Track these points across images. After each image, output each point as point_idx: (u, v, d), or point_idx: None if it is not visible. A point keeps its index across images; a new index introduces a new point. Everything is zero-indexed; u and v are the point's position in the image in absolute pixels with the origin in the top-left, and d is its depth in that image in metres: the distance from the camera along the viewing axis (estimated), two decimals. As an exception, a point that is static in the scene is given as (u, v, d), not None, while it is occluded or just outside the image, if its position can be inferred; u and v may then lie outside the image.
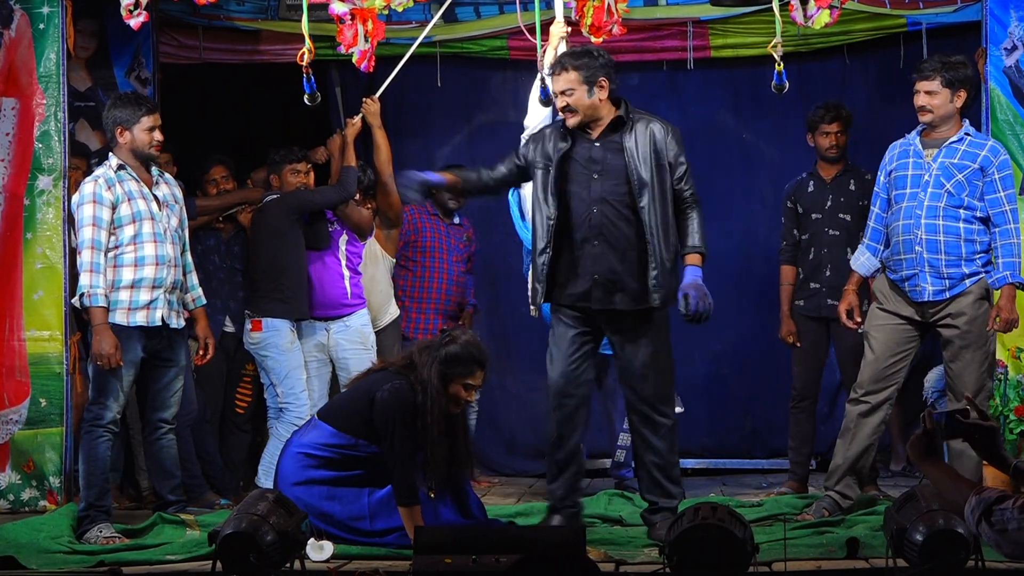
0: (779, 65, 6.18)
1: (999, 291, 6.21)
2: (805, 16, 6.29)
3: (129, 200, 6.32)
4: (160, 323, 6.37)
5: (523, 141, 7.19)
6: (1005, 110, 7.14)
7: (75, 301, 6.33)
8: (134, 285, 6.30)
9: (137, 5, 6.31)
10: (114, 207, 6.29)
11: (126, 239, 6.30)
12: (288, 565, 5.14)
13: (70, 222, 7.02)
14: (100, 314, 6.21)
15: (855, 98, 8.27)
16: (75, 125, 7.59)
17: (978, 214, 6.22)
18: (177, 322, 6.46)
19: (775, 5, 6.25)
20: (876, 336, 6.39)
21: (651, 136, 5.97)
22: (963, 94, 6.26)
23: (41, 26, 7.09)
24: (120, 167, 6.36)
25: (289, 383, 7.29)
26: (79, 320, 7.13)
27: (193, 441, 7.30)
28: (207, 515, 6.60)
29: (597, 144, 6.00)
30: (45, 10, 7.09)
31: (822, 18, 6.32)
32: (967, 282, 6.23)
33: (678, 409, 6.99)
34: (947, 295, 6.25)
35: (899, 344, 6.35)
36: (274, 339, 7.30)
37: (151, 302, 6.33)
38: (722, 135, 8.64)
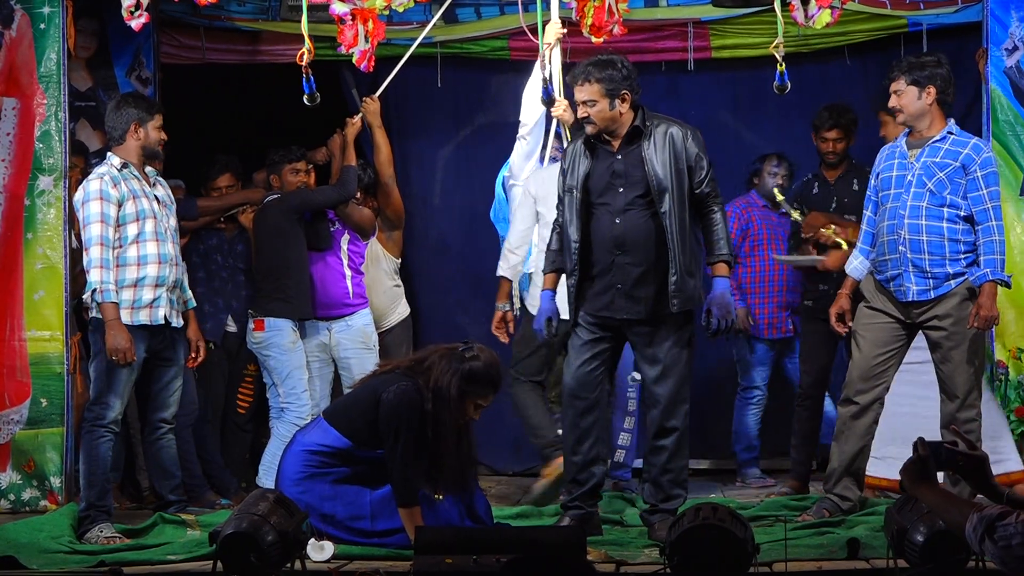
0: (780, 65, 6.19)
1: (980, 288, 6.20)
2: (806, 16, 6.30)
3: (134, 198, 6.34)
4: (163, 321, 6.38)
5: (522, 143, 7.19)
6: (1006, 110, 7.15)
7: (86, 297, 6.32)
8: (137, 284, 6.31)
9: (138, 6, 6.32)
10: (120, 204, 6.30)
11: (129, 237, 6.31)
12: (289, 565, 5.14)
13: (71, 222, 7.02)
14: (112, 309, 6.21)
15: (855, 99, 8.24)
16: (75, 125, 7.60)
17: (962, 213, 6.21)
18: (177, 321, 6.48)
19: (776, 5, 6.25)
20: (863, 335, 6.40)
21: (670, 140, 5.97)
22: (932, 90, 6.25)
23: (42, 26, 7.10)
24: (124, 165, 6.37)
25: (291, 383, 7.29)
26: (80, 320, 7.14)
27: (194, 441, 7.30)
28: (208, 515, 6.60)
29: (619, 157, 6.00)
30: (46, 10, 7.09)
31: (823, 18, 6.33)
32: (952, 283, 6.22)
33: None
34: (931, 295, 6.24)
35: (886, 343, 6.35)
36: (276, 339, 7.30)
37: (154, 300, 6.34)
38: (723, 136, 8.63)
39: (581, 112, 6.00)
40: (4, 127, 7.11)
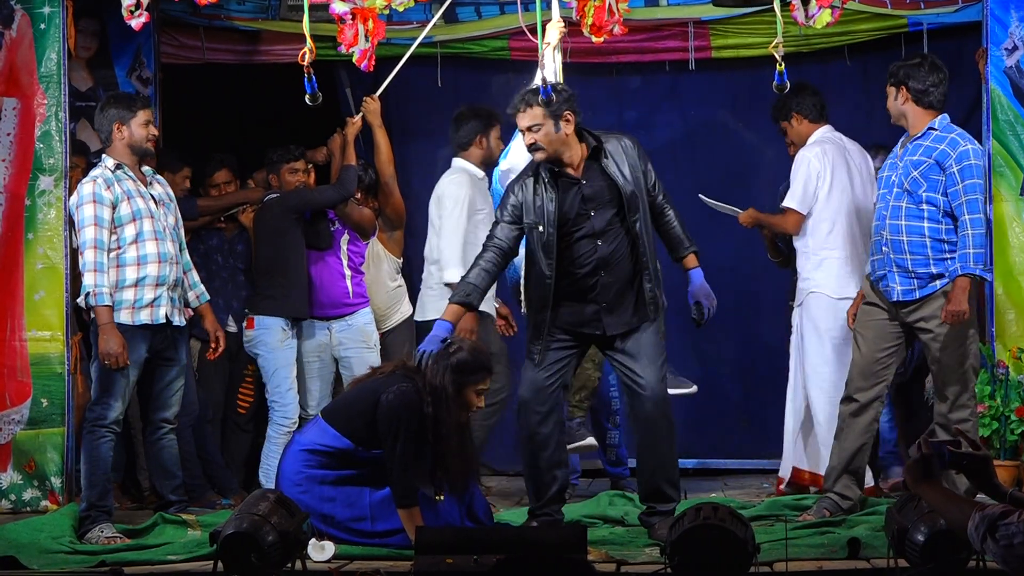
0: (780, 65, 6.18)
1: (953, 283, 6.20)
2: (806, 16, 6.29)
3: (129, 199, 6.34)
4: (164, 320, 6.38)
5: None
6: (1006, 110, 7.14)
7: (80, 301, 6.33)
8: (137, 283, 6.31)
9: (138, 6, 6.29)
10: (114, 206, 6.30)
11: (128, 238, 6.32)
12: (289, 565, 5.14)
13: (70, 223, 7.03)
14: (106, 313, 6.21)
15: (855, 98, 8.27)
16: (76, 125, 7.60)
17: (944, 211, 6.22)
18: (179, 320, 6.48)
19: (776, 5, 6.24)
20: (862, 334, 6.43)
21: (624, 151, 6.00)
22: (904, 91, 6.32)
23: (42, 26, 7.10)
24: (117, 166, 6.38)
25: (276, 381, 7.29)
26: (80, 320, 7.14)
27: (194, 441, 7.30)
28: (208, 515, 6.60)
29: (585, 182, 5.98)
30: (46, 10, 7.09)
31: (823, 18, 6.32)
32: (937, 283, 6.23)
33: (692, 389, 7.02)
34: (917, 295, 6.26)
35: (885, 340, 6.37)
36: (264, 336, 7.31)
37: (155, 300, 6.35)
38: (723, 136, 8.64)
39: (528, 139, 5.96)
40: (4, 127, 7.11)
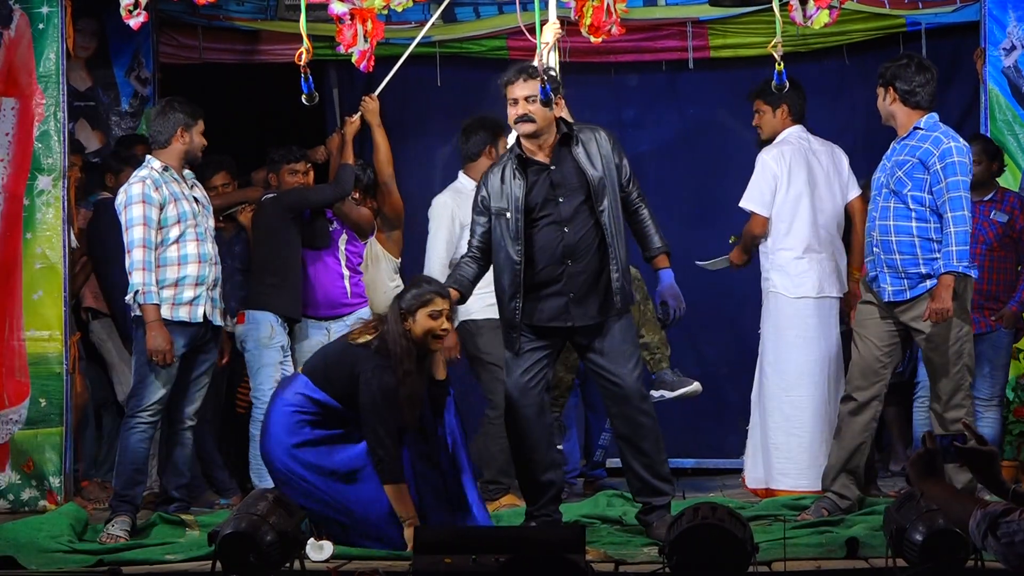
0: (779, 65, 6.19)
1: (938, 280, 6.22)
2: (804, 16, 6.30)
3: (175, 201, 6.38)
4: (202, 319, 6.41)
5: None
6: (1004, 110, 7.16)
7: (128, 299, 6.35)
8: (177, 283, 6.35)
9: (137, 5, 6.31)
10: (162, 207, 6.33)
11: (171, 239, 6.36)
12: (288, 565, 5.14)
13: (70, 221, 7.04)
14: (153, 311, 6.25)
15: (854, 99, 8.27)
16: (74, 125, 7.60)
17: (932, 209, 6.22)
18: (218, 319, 6.54)
19: (775, 5, 6.26)
20: (861, 333, 6.45)
21: (598, 142, 5.99)
22: (892, 91, 6.31)
23: (40, 26, 7.10)
24: (164, 168, 6.39)
25: (259, 379, 7.28)
26: (78, 320, 7.13)
27: (193, 441, 7.29)
28: (207, 515, 6.61)
29: (554, 168, 5.98)
30: (44, 10, 7.10)
31: (821, 18, 6.34)
32: (927, 283, 6.21)
33: (695, 387, 7.01)
34: (908, 295, 6.26)
35: (882, 339, 6.37)
36: (253, 332, 7.30)
37: (194, 299, 6.39)
38: (721, 135, 8.64)
39: (521, 109, 5.91)
40: (3, 127, 7.11)
